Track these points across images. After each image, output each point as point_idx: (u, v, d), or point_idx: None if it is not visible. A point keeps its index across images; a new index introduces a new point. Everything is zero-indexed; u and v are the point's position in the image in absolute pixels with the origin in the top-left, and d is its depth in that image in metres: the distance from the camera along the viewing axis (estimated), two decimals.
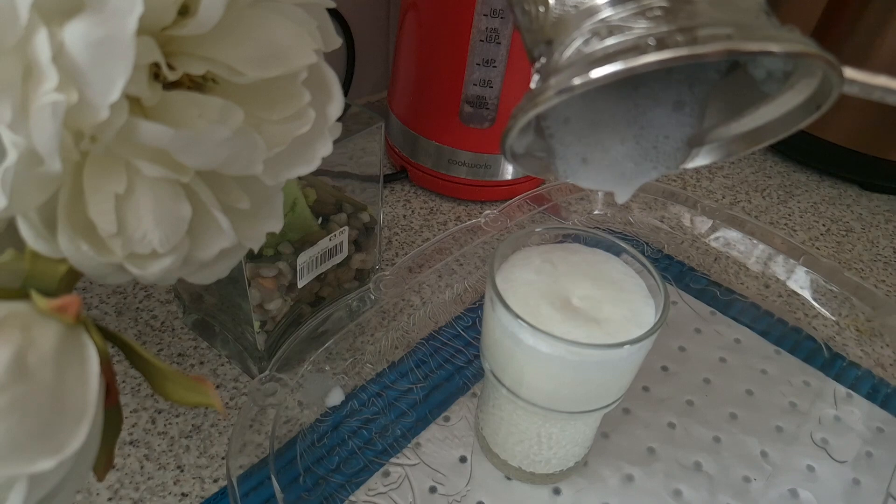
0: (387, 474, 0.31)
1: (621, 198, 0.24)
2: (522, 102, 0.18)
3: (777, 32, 0.16)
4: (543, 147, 0.23)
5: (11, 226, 0.16)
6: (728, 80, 0.22)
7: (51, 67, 0.14)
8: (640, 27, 0.16)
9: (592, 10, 0.17)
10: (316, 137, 0.20)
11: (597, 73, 0.15)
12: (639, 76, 0.21)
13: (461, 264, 0.41)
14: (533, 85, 0.18)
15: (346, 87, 0.59)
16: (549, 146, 0.23)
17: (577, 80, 0.16)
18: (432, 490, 0.31)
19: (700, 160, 0.23)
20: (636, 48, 0.15)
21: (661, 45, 0.15)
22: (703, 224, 0.46)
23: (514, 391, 0.28)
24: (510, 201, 0.44)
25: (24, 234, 0.16)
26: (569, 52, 0.17)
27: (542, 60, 0.18)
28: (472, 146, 0.48)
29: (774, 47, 0.15)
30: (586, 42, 0.17)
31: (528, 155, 0.23)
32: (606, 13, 0.16)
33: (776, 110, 0.20)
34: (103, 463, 0.19)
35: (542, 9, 0.18)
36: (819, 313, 0.41)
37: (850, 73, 0.17)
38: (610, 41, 0.16)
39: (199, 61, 0.16)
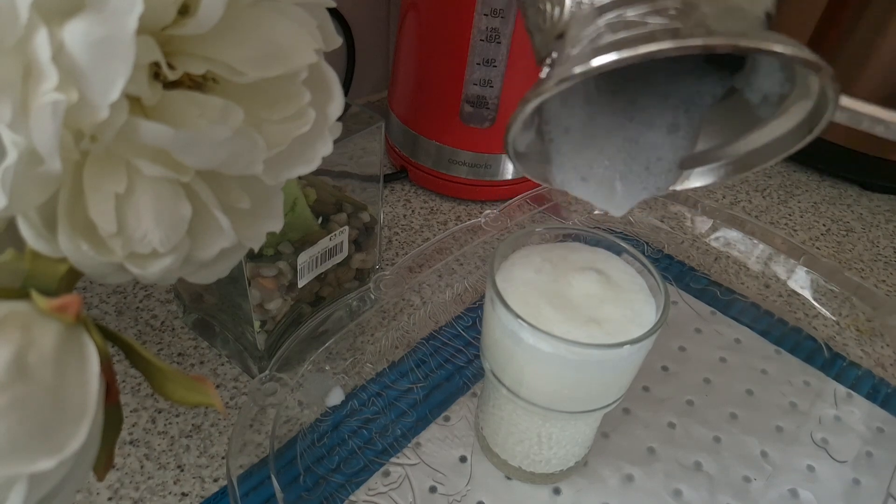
0: (387, 474, 0.31)
1: (618, 212, 0.24)
2: (527, 93, 0.18)
3: (784, 38, 0.16)
4: (543, 152, 0.23)
5: (11, 226, 0.16)
6: (722, 106, 0.22)
7: (51, 67, 0.14)
8: (656, 22, 0.16)
9: (607, 8, 0.17)
10: (316, 137, 0.20)
11: (598, 61, 0.16)
12: (636, 97, 0.22)
13: (461, 264, 0.41)
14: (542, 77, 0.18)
15: (346, 86, 0.59)
16: (547, 152, 0.23)
17: (577, 69, 0.16)
18: (432, 490, 0.31)
19: (690, 183, 0.24)
20: (649, 37, 0.15)
21: (676, 34, 0.15)
22: (703, 224, 0.46)
23: (514, 391, 0.27)
24: (510, 201, 0.44)
25: (24, 234, 0.16)
26: (580, 46, 0.17)
27: (554, 55, 0.18)
28: (472, 146, 0.48)
29: (780, 48, 0.15)
30: (599, 36, 0.17)
31: (528, 156, 0.23)
32: (621, 10, 0.17)
33: (768, 135, 0.21)
34: (103, 463, 0.19)
35: (557, 8, 0.18)
36: (819, 313, 0.41)
37: (842, 100, 0.18)
38: (623, 34, 0.16)
39: (200, 61, 0.16)
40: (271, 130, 0.18)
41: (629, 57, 0.15)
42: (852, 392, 0.38)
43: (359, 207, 0.37)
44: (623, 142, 0.23)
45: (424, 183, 0.52)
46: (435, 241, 0.40)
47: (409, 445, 0.33)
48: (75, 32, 0.14)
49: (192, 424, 0.33)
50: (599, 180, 0.23)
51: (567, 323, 0.25)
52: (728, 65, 0.22)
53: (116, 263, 0.17)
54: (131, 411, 0.33)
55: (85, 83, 0.14)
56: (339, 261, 0.36)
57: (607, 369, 0.26)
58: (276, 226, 0.21)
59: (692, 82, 0.22)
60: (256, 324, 0.33)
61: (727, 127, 0.22)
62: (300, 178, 0.32)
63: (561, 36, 0.18)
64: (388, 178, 0.52)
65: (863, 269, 0.50)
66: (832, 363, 0.39)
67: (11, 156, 0.14)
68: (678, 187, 0.24)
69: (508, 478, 0.32)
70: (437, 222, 0.50)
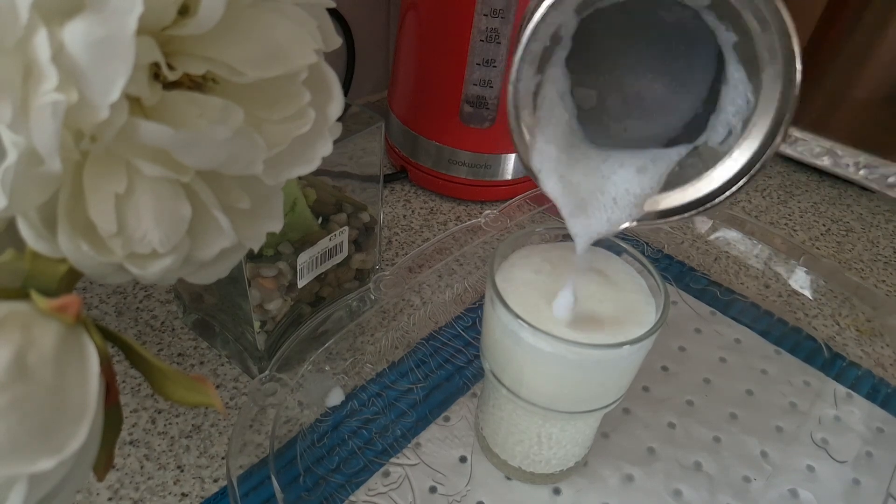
0: (387, 474, 0.31)
1: (579, 240, 0.26)
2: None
3: None
4: (532, 124, 0.25)
5: (11, 226, 0.16)
6: (681, 163, 0.25)
7: (51, 67, 0.14)
8: None
9: None
10: (316, 137, 0.20)
11: None
12: (611, 151, 0.25)
13: (461, 264, 0.41)
14: None
15: (346, 87, 0.59)
16: (533, 132, 0.25)
17: None
18: (432, 490, 0.31)
19: (643, 221, 0.26)
20: None
21: None
22: (703, 224, 0.46)
23: (514, 391, 0.27)
24: (510, 201, 0.44)
25: (24, 234, 0.16)
26: None
27: None
28: (472, 146, 0.48)
29: None
30: None
31: (522, 111, 0.24)
32: None
33: (707, 186, 0.24)
34: (103, 463, 0.19)
35: None
36: (819, 313, 0.41)
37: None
38: None
39: (200, 61, 0.16)
40: (271, 130, 0.18)
41: None
42: (852, 392, 0.38)
43: (359, 207, 0.37)
44: (599, 161, 0.25)
45: (424, 183, 0.52)
46: (435, 241, 0.40)
47: (409, 446, 0.33)
48: (75, 32, 0.14)
49: (192, 425, 0.33)
50: (572, 188, 0.25)
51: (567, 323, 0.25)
52: (693, 132, 0.25)
53: (116, 263, 0.17)
54: (131, 411, 0.33)
55: (85, 83, 0.14)
56: (339, 261, 0.36)
57: (607, 369, 0.26)
58: (276, 226, 0.21)
59: (661, 144, 0.26)
60: (256, 324, 0.33)
61: (677, 179, 0.25)
62: (300, 178, 0.32)
63: None
64: (388, 179, 0.52)
65: (862, 270, 0.50)
66: (832, 363, 0.39)
67: (11, 156, 0.14)
68: (630, 225, 0.26)
69: (508, 478, 0.32)
70: (437, 222, 0.50)
